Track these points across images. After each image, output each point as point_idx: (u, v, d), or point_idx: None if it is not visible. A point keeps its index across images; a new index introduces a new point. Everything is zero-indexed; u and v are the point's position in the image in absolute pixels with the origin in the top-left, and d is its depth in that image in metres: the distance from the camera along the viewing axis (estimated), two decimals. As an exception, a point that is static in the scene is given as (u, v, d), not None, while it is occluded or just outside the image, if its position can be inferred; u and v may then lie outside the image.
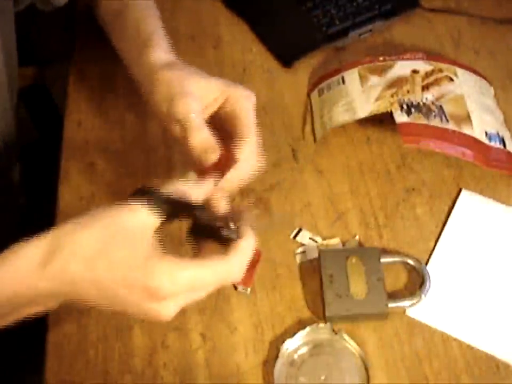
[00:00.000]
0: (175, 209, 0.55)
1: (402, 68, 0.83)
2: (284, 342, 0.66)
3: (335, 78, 0.86)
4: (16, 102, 0.86)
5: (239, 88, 0.67)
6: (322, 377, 0.65)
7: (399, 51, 0.88)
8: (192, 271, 0.52)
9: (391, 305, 0.68)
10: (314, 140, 0.84)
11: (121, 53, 0.77)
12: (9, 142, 0.85)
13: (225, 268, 0.54)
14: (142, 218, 0.53)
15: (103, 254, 0.52)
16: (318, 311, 0.70)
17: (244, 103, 0.65)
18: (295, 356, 0.66)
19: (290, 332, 0.68)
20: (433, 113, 0.78)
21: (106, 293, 0.53)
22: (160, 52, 0.70)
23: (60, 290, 0.53)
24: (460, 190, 0.78)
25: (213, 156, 0.63)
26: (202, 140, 0.63)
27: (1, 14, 0.75)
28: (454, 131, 0.77)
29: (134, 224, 0.53)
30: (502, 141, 0.80)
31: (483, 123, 0.79)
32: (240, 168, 0.63)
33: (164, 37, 0.72)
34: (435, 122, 0.77)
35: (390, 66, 0.84)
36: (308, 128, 0.85)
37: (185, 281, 0.51)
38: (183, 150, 0.65)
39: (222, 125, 0.66)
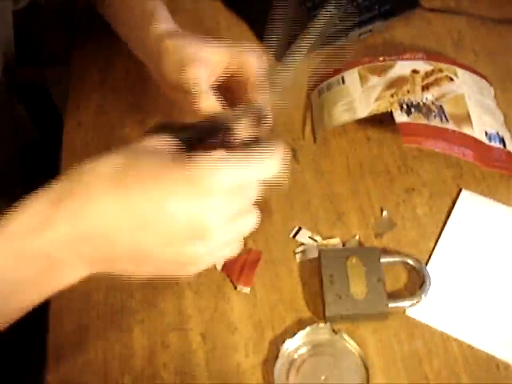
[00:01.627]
0: (195, 134, 0.53)
1: (402, 68, 0.83)
2: (284, 342, 0.66)
3: (335, 78, 0.86)
4: (14, 103, 0.86)
5: (248, 51, 0.66)
6: (322, 377, 0.65)
7: (399, 51, 0.88)
8: (234, 165, 0.47)
9: (391, 305, 0.68)
10: (314, 140, 0.84)
11: (125, 34, 0.76)
12: (8, 143, 0.85)
13: (262, 160, 0.50)
14: (162, 139, 0.50)
15: (130, 172, 0.47)
16: (318, 311, 0.70)
17: (252, 65, 0.65)
18: (295, 356, 0.66)
19: (290, 332, 0.68)
20: (433, 113, 0.78)
21: (134, 220, 0.46)
22: (166, 23, 0.69)
23: (78, 238, 0.46)
24: (460, 190, 0.78)
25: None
26: (210, 105, 0.63)
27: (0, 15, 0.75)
28: (454, 131, 0.77)
29: (156, 144, 0.49)
30: (502, 141, 0.80)
31: (483, 123, 0.79)
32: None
33: (167, 11, 0.72)
34: (435, 122, 0.77)
35: (390, 66, 0.84)
36: (308, 128, 0.85)
37: (231, 177, 0.47)
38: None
39: (233, 90, 0.66)
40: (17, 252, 0.47)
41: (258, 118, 0.55)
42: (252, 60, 0.65)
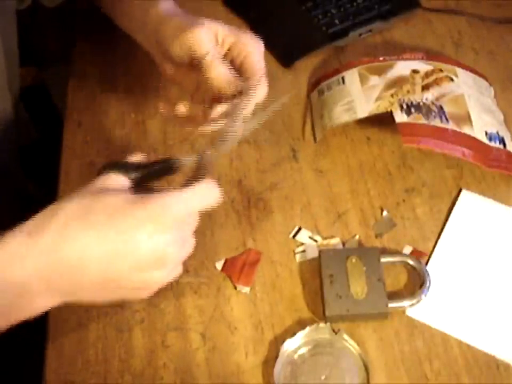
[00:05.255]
0: (144, 174, 0.58)
1: (402, 68, 0.83)
2: (283, 342, 0.66)
3: (335, 78, 0.86)
4: (16, 103, 0.86)
5: (247, 34, 0.67)
6: (322, 377, 0.65)
7: (399, 51, 0.88)
8: (180, 195, 0.54)
9: (391, 305, 0.68)
10: (314, 140, 0.84)
11: (126, 22, 0.77)
12: (9, 143, 0.85)
13: (202, 189, 0.57)
14: (116, 179, 0.56)
15: (97, 209, 0.52)
16: (318, 311, 0.70)
17: (251, 49, 0.65)
18: (295, 356, 0.66)
19: (290, 332, 0.68)
20: (433, 113, 0.78)
21: (105, 249, 0.51)
22: (168, 4, 0.70)
23: (51, 270, 0.51)
24: (460, 190, 0.78)
25: (232, 86, 0.63)
26: (222, 73, 0.63)
27: (3, 14, 0.76)
28: (454, 131, 0.77)
29: (112, 184, 0.55)
30: (502, 141, 0.80)
31: (483, 123, 0.79)
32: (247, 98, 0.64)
33: None
34: (435, 122, 0.77)
35: (390, 66, 0.84)
36: (308, 128, 0.85)
37: (182, 210, 0.54)
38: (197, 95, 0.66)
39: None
40: None
41: (202, 167, 0.60)
42: (249, 42, 0.66)
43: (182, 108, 0.67)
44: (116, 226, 0.52)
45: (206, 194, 0.56)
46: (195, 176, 0.59)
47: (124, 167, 0.57)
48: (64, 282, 0.52)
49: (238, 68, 0.66)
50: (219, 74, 0.63)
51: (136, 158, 0.60)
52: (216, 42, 0.66)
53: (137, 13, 0.73)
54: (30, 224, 0.52)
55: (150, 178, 0.59)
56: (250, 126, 0.63)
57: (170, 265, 0.55)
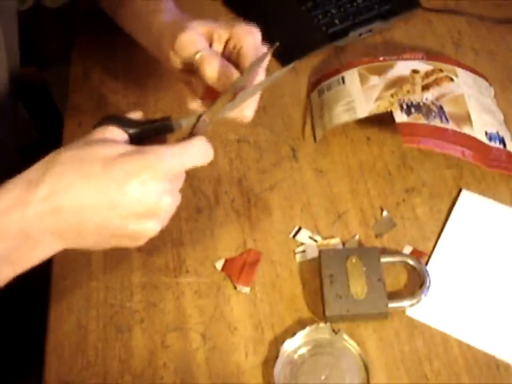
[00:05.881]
0: (142, 131, 0.59)
1: (402, 68, 0.83)
2: (283, 342, 0.66)
3: (335, 78, 0.86)
4: (17, 102, 0.86)
5: (242, 25, 0.67)
6: (322, 377, 0.65)
7: (399, 51, 0.89)
8: (174, 148, 0.55)
9: (391, 305, 0.68)
10: (314, 139, 0.84)
11: (132, 30, 0.78)
12: (10, 142, 0.85)
13: (197, 145, 0.57)
14: (114, 132, 0.57)
15: (87, 161, 0.53)
16: (318, 311, 0.70)
17: (247, 40, 0.66)
18: (295, 356, 0.66)
19: (290, 332, 0.68)
20: (433, 113, 0.78)
21: (100, 197, 0.53)
22: (168, 11, 0.72)
23: (51, 214, 0.52)
24: (460, 190, 0.78)
25: (228, 79, 0.63)
26: (213, 68, 0.64)
27: (5, 14, 0.76)
28: (454, 131, 0.77)
29: (110, 135, 0.56)
30: (502, 141, 0.80)
31: (483, 123, 0.79)
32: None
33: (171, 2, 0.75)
34: (435, 122, 0.77)
35: (390, 66, 0.84)
36: (308, 128, 0.85)
37: (172, 157, 0.55)
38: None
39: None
40: None
41: (198, 129, 0.61)
42: (245, 33, 0.66)
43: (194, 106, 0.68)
44: (111, 175, 0.53)
45: (199, 150, 0.57)
46: (190, 137, 0.60)
47: (122, 121, 0.58)
48: (63, 229, 0.53)
49: (237, 61, 0.66)
50: (211, 71, 0.64)
51: (135, 115, 0.60)
52: (210, 40, 0.67)
53: (142, 20, 0.74)
54: (29, 173, 0.54)
55: (147, 135, 0.60)
56: (248, 95, 0.63)
57: (163, 215, 0.56)
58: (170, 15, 0.71)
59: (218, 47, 0.67)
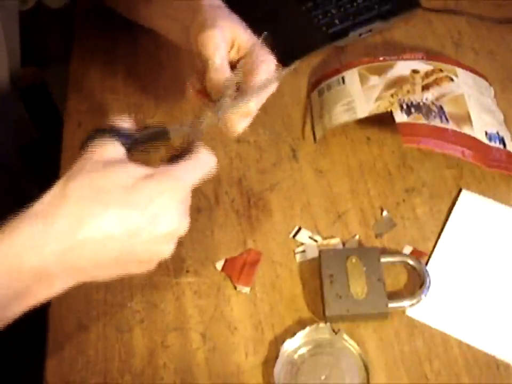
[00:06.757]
0: (135, 140, 0.58)
1: (402, 68, 0.83)
2: (283, 342, 0.66)
3: (335, 78, 0.86)
4: (17, 102, 0.86)
5: (265, 49, 0.67)
6: (322, 377, 0.65)
7: (399, 51, 0.88)
8: (185, 166, 0.55)
9: (391, 305, 0.68)
10: (314, 139, 0.84)
11: (156, 21, 0.79)
12: (10, 142, 0.85)
13: (203, 158, 0.57)
14: (112, 148, 0.55)
15: (104, 190, 0.52)
16: (318, 311, 0.70)
17: (262, 64, 0.66)
18: (295, 356, 0.66)
19: (290, 332, 0.68)
20: (433, 113, 0.78)
21: (125, 225, 0.51)
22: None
23: (70, 251, 0.50)
24: (460, 190, 0.78)
25: (227, 94, 0.63)
26: (220, 80, 0.64)
27: (6, 15, 0.76)
28: (454, 131, 0.77)
29: (109, 153, 0.55)
30: (502, 141, 0.80)
31: (483, 123, 0.79)
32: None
33: None
34: (435, 122, 0.77)
35: (390, 66, 0.84)
36: (308, 128, 0.85)
37: (187, 176, 0.55)
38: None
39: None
40: (12, 269, 0.50)
41: (193, 137, 0.60)
42: (264, 58, 0.66)
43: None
44: (133, 202, 0.52)
45: (207, 163, 0.57)
46: (187, 146, 0.59)
47: (115, 134, 0.57)
48: (83, 264, 0.52)
49: (244, 77, 0.66)
50: (216, 81, 0.64)
51: (126, 123, 0.59)
52: (230, 47, 0.67)
53: (171, 10, 0.74)
54: (40, 208, 0.51)
55: (141, 145, 0.59)
56: (243, 101, 0.63)
57: (179, 236, 0.55)
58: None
59: (235, 56, 0.68)
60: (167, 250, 0.55)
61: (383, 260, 0.71)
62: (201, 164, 0.57)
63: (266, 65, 0.66)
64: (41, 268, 0.50)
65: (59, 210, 0.51)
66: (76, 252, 0.51)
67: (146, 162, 0.56)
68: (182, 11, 0.73)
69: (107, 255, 0.52)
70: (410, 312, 0.70)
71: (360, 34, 0.95)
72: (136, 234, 0.52)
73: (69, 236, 0.50)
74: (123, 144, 0.56)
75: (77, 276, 0.53)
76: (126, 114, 0.60)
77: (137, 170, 0.54)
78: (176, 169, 0.55)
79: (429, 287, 0.70)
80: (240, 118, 0.64)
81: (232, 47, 0.67)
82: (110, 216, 0.51)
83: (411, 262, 0.72)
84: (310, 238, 0.75)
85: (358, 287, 0.69)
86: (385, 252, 0.74)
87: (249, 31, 0.69)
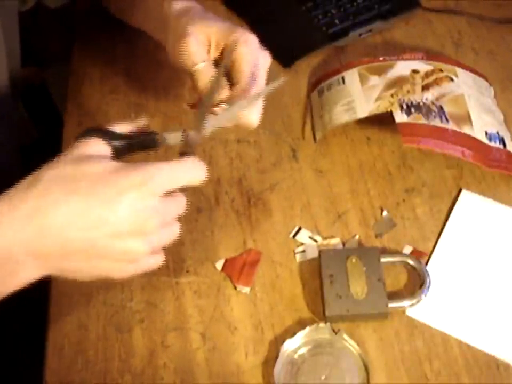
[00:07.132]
0: (126, 144, 0.58)
1: (402, 68, 0.83)
2: (283, 342, 0.66)
3: (335, 78, 0.86)
4: (17, 102, 0.86)
5: (238, 32, 0.66)
6: (322, 377, 0.65)
7: (399, 51, 0.89)
8: (163, 166, 0.54)
9: (391, 305, 0.68)
10: (314, 140, 0.84)
11: (141, 23, 0.78)
12: (10, 142, 0.85)
13: (187, 164, 0.56)
14: (98, 145, 0.56)
15: (73, 179, 0.52)
16: (318, 311, 0.70)
17: (240, 49, 0.65)
18: (295, 356, 0.66)
19: (290, 332, 0.68)
20: (433, 113, 0.78)
21: (87, 215, 0.51)
22: (175, 1, 0.70)
23: (33, 236, 0.51)
24: (460, 190, 0.78)
25: (222, 94, 0.64)
26: (206, 83, 0.64)
27: (5, 15, 0.76)
28: (454, 131, 0.77)
29: (94, 150, 0.55)
30: (502, 141, 0.80)
31: (483, 123, 0.79)
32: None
33: None
34: (435, 122, 0.77)
35: (390, 66, 0.84)
36: (308, 128, 0.85)
37: (169, 180, 0.54)
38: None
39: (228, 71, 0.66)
40: None
41: (187, 146, 0.60)
42: (240, 41, 0.65)
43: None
44: (98, 193, 0.51)
45: (190, 169, 0.56)
46: (182, 155, 0.59)
47: (106, 134, 0.57)
48: (47, 250, 0.52)
49: (232, 70, 0.66)
50: (204, 85, 0.64)
51: (120, 127, 0.59)
52: (208, 47, 0.67)
53: (154, 13, 0.74)
54: (11, 192, 0.53)
55: (131, 149, 0.58)
56: (236, 110, 0.63)
57: (151, 235, 0.54)
58: (177, 3, 0.70)
59: (215, 53, 0.67)
60: (138, 247, 0.53)
61: (383, 260, 0.71)
62: (185, 169, 0.56)
63: (247, 48, 0.65)
64: (4, 250, 0.51)
65: (25, 195, 0.52)
66: (38, 237, 0.51)
67: None
68: (154, 19, 0.73)
69: (69, 244, 0.52)
70: (410, 312, 0.70)
71: (360, 34, 0.95)
72: (97, 226, 0.51)
73: (32, 218, 0.51)
74: (113, 146, 0.56)
75: (42, 264, 0.53)
76: (127, 120, 0.60)
77: (111, 164, 0.53)
78: (151, 166, 0.53)
79: (429, 287, 0.70)
80: (251, 111, 0.64)
81: (209, 46, 0.67)
82: (72, 204, 0.51)
83: (411, 262, 0.72)
84: (310, 238, 0.75)
85: (358, 287, 0.69)
86: (385, 252, 0.74)
87: (222, 22, 0.68)
